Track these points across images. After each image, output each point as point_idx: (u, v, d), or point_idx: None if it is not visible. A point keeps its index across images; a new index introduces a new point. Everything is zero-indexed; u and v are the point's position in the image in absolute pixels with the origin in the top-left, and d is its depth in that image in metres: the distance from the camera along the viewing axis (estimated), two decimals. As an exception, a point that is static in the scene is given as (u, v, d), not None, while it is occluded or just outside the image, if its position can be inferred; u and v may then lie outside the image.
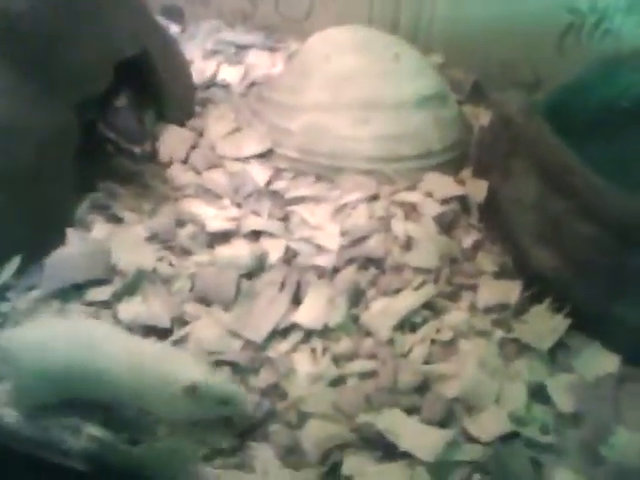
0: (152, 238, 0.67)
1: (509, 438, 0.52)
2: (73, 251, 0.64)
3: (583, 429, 0.53)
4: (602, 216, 0.56)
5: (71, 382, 0.50)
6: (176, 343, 0.58)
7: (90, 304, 0.60)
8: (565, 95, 0.71)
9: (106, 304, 0.61)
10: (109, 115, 0.73)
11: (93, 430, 0.50)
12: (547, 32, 0.91)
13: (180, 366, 0.50)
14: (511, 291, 0.63)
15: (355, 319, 0.62)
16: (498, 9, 0.92)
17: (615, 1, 0.87)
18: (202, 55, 0.97)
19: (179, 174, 0.76)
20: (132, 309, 0.60)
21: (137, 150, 0.72)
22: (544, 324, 0.60)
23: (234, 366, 0.57)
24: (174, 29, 1.02)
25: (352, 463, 0.50)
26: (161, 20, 0.95)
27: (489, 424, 0.52)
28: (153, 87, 0.81)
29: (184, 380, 0.49)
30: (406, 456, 0.50)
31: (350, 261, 0.67)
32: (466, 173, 0.78)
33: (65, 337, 0.51)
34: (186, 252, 0.67)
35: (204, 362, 0.55)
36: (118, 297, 0.61)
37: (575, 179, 0.59)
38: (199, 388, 0.49)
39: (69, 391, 0.51)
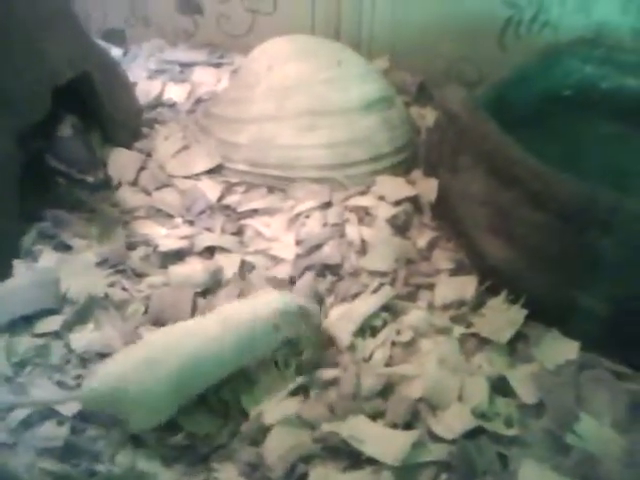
0: (102, 263, 0.66)
1: (474, 434, 0.51)
2: (20, 282, 0.62)
3: (547, 418, 0.53)
4: (549, 203, 0.57)
5: (190, 381, 0.52)
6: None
7: (40, 335, 0.59)
8: (506, 88, 0.72)
9: (57, 334, 0.59)
10: (56, 146, 0.71)
11: (48, 464, 0.48)
12: (487, 29, 0.92)
13: (259, 309, 0.55)
14: (467, 286, 0.63)
15: (315, 328, 0.61)
16: (437, 10, 0.93)
17: (550, -8, 0.88)
18: (146, 76, 0.96)
19: (128, 196, 0.75)
20: (84, 337, 0.59)
21: (90, 179, 0.70)
22: (502, 316, 0.60)
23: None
24: (116, 52, 1.01)
25: (318, 474, 0.49)
26: (102, 44, 0.95)
27: (453, 422, 0.52)
28: (96, 110, 0.80)
29: (270, 318, 0.55)
30: (372, 462, 0.49)
31: (307, 269, 0.67)
32: (417, 173, 0.78)
33: (161, 347, 0.52)
34: (139, 275, 0.66)
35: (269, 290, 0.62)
36: (69, 326, 0.60)
37: (520, 169, 0.59)
38: (282, 315, 0.55)
39: (191, 390, 0.52)
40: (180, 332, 0.54)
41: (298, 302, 0.57)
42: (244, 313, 0.55)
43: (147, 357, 0.51)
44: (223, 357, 0.53)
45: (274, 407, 0.53)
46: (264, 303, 0.56)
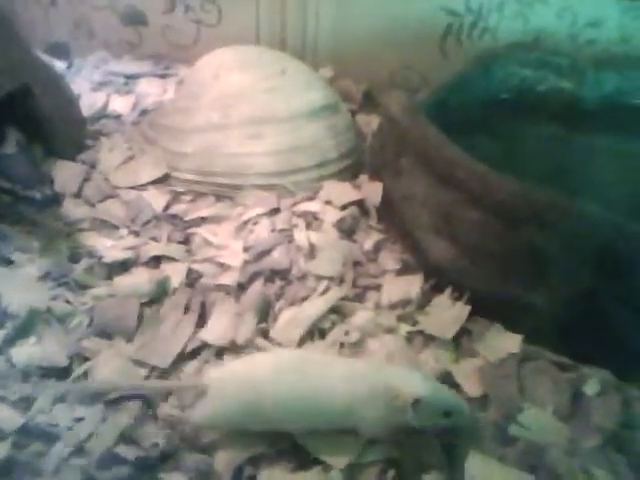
0: (45, 277, 0.65)
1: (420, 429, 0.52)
2: (-42, 299, 0.60)
3: (491, 411, 0.54)
4: (487, 201, 0.58)
5: (278, 413, 0.49)
6: (76, 381, 0.56)
7: (-20, 352, 0.57)
8: (446, 93, 0.74)
9: (-3, 350, 0.57)
10: (2, 165, 0.69)
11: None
12: (428, 36, 0.94)
13: (401, 380, 0.49)
14: (413, 286, 0.64)
15: (265, 333, 0.61)
16: (379, 19, 0.95)
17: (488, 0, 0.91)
18: (91, 88, 0.96)
19: (72, 209, 0.74)
20: (26, 351, 0.57)
21: (37, 196, 0.68)
22: (446, 313, 0.61)
23: (141, 399, 0.55)
24: (60, 65, 1.00)
25: (266, 476, 0.49)
26: (46, 57, 0.94)
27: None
28: (38, 123, 0.79)
29: (408, 394, 0.48)
30: (320, 462, 0.49)
31: (255, 275, 0.67)
32: (363, 178, 0.79)
33: (273, 368, 0.51)
34: (83, 287, 0.65)
35: (426, 375, 0.54)
36: (10, 341, 0.58)
37: (458, 169, 0.60)
38: (423, 402, 0.48)
39: (275, 422, 0.50)
40: (303, 363, 0.52)
41: (446, 401, 0.50)
42: (379, 382, 0.49)
43: (254, 372, 0.51)
44: (316, 414, 0.50)
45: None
46: (407, 383, 0.49)
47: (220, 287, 0.65)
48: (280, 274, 0.67)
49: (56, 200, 0.71)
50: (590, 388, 0.56)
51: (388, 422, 0.49)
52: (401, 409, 0.48)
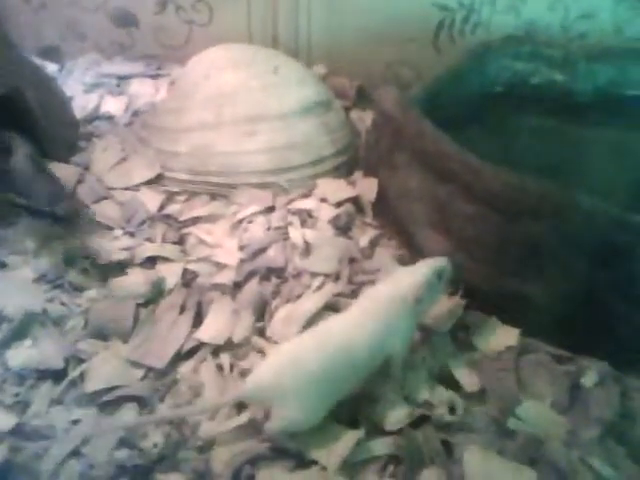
0: (40, 279, 0.64)
1: (419, 424, 0.52)
2: (-47, 302, 0.60)
3: (490, 404, 0.53)
4: (482, 194, 0.58)
5: (339, 382, 0.51)
6: (72, 383, 0.56)
7: (-25, 355, 0.57)
8: (439, 87, 0.74)
9: (-7, 353, 0.57)
10: (12, 179, 0.68)
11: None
12: (421, 32, 0.94)
13: (402, 290, 0.54)
14: (409, 281, 0.64)
15: (261, 331, 0.61)
16: (372, 16, 0.95)
17: (480, -7, 0.91)
18: (83, 90, 0.95)
19: (66, 210, 0.73)
20: (21, 354, 0.57)
21: (60, 211, 0.67)
22: (443, 307, 0.60)
23: (137, 400, 0.55)
24: (52, 68, 1.00)
25: (264, 476, 0.49)
26: (38, 61, 0.93)
27: (397, 414, 0.52)
28: (30, 126, 0.78)
29: (412, 294, 0.54)
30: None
31: (251, 274, 0.66)
32: (357, 175, 0.79)
33: (309, 346, 0.51)
34: (78, 289, 0.64)
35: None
36: (6, 343, 0.58)
37: (453, 163, 0.60)
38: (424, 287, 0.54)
39: (341, 392, 0.51)
40: (325, 330, 0.53)
41: (433, 266, 0.56)
42: (383, 298, 0.54)
43: (297, 356, 0.51)
44: (366, 353, 0.52)
45: (221, 413, 0.53)
46: (404, 279, 0.55)
47: (216, 286, 0.65)
48: (276, 272, 0.67)
49: (77, 213, 0.70)
50: (588, 380, 0.56)
51: (413, 329, 0.55)
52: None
